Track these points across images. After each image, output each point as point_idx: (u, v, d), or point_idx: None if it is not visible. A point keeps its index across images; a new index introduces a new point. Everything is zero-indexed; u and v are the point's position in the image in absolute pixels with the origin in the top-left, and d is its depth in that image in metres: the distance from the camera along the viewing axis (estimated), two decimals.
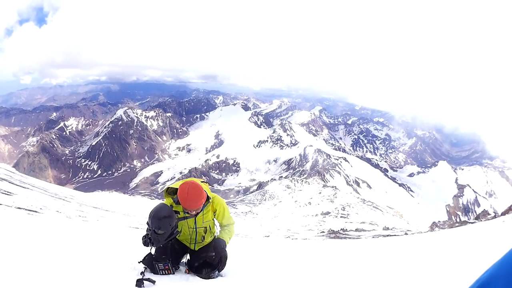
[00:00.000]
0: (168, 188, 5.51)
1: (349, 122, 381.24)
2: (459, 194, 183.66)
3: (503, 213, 24.85)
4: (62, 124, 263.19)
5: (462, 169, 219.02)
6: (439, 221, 47.00)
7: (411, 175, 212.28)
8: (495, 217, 24.54)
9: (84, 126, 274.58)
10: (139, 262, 5.02)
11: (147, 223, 4.90)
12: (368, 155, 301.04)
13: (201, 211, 5.33)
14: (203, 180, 5.86)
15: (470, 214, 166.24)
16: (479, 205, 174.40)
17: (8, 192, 19.45)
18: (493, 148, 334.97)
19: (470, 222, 27.01)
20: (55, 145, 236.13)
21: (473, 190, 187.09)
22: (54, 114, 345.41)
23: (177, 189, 5.23)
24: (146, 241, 4.90)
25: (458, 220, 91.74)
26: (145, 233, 5.02)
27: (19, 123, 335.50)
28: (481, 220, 25.54)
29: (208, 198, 5.39)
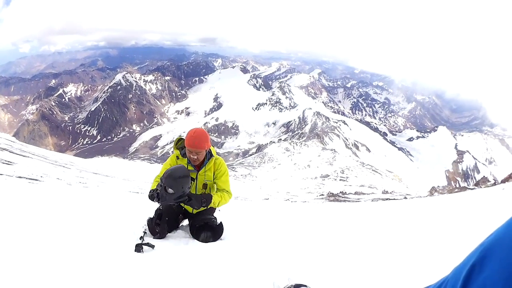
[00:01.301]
0: (179, 140, 5.64)
1: (348, 85, 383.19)
2: (458, 160, 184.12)
3: (503, 181, 24.85)
4: (61, 91, 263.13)
5: (462, 135, 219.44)
6: (438, 186, 47.26)
7: (410, 139, 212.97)
8: (495, 184, 24.60)
9: (83, 92, 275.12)
10: (143, 226, 5.02)
11: (161, 179, 4.83)
12: (367, 119, 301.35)
13: (203, 166, 5.39)
14: (213, 146, 5.72)
15: (469, 180, 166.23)
16: (478, 172, 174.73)
17: (8, 161, 19.49)
18: (494, 116, 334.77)
19: (469, 188, 27.16)
20: (55, 112, 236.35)
21: (472, 156, 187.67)
22: (53, 81, 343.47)
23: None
24: (153, 195, 4.93)
25: (457, 185, 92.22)
26: (154, 189, 5.04)
27: (19, 92, 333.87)
28: (480, 187, 25.60)
29: (211, 153, 5.47)
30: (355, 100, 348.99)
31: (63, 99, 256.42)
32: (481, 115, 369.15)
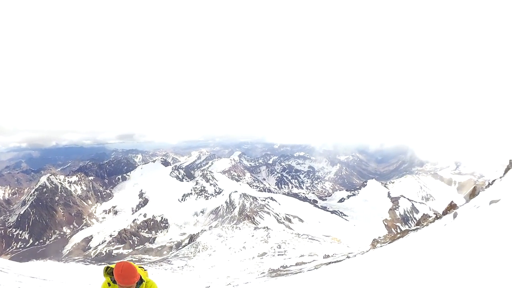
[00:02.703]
0: (107, 267, 5.90)
1: (270, 161, 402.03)
2: (394, 207, 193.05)
3: (444, 212, 25.64)
4: None
5: (393, 182, 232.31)
6: (379, 237, 48.10)
7: (341, 200, 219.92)
8: (437, 218, 25.28)
9: (10, 195, 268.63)
10: None
11: None
12: (295, 190, 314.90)
13: None
14: (141, 266, 6.19)
15: (410, 222, 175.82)
16: (417, 212, 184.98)
17: None
18: (422, 154, 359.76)
19: (411, 230, 27.68)
20: None
21: (407, 199, 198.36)
22: None
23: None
24: None
25: (399, 231, 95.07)
26: None
27: None
28: (422, 225, 26.21)
29: (141, 280, 5.79)
30: (279, 175, 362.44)
31: None
32: (409, 157, 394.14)
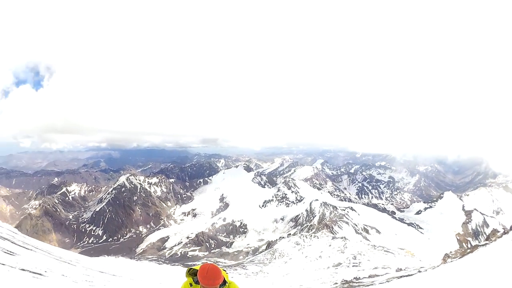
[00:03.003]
0: (190, 269, 6.11)
1: (352, 171, 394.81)
2: (467, 220, 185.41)
3: None
4: (64, 189, 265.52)
5: (468, 195, 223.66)
6: (450, 252, 46.41)
7: (418, 212, 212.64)
8: (505, 233, 24.22)
9: (87, 192, 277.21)
10: None
11: None
12: (374, 201, 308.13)
13: None
14: (223, 269, 6.15)
15: (480, 237, 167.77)
16: (488, 226, 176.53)
17: (11, 252, 19.23)
18: (495, 165, 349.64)
19: (481, 245, 26.63)
20: (58, 210, 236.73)
21: (480, 212, 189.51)
22: (56, 179, 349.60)
23: (197, 270, 5.78)
24: None
25: (469, 246, 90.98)
26: None
27: (20, 186, 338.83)
28: (491, 240, 25.19)
29: (225, 281, 5.88)
30: (360, 184, 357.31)
31: (67, 198, 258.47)
32: (483, 168, 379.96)
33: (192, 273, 6.04)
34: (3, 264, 13.58)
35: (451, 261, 29.41)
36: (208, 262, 6.07)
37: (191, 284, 5.93)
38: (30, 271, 14.40)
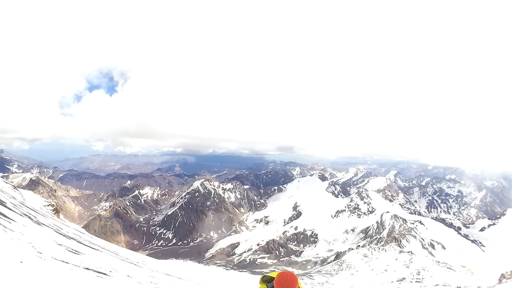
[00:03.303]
0: (265, 276, 6.18)
1: (423, 183, 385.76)
2: None
3: None
4: (137, 192, 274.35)
5: None
6: (506, 272, 44.86)
7: (482, 229, 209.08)
8: None
9: (159, 196, 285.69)
10: None
11: None
12: (442, 215, 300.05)
13: None
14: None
15: None
16: None
17: (76, 251, 19.95)
18: None
19: None
20: (129, 212, 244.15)
21: None
22: (129, 182, 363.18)
23: (272, 277, 5.98)
24: None
25: None
26: None
27: (91, 187, 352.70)
28: None
29: None
30: (430, 197, 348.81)
31: (139, 201, 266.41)
32: None
33: (265, 280, 6.10)
34: (67, 263, 14.13)
35: (506, 282, 28.73)
36: (280, 270, 6.00)
37: None
38: (94, 271, 14.88)
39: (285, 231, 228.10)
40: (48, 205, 57.94)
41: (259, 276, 6.33)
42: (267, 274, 6.11)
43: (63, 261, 14.13)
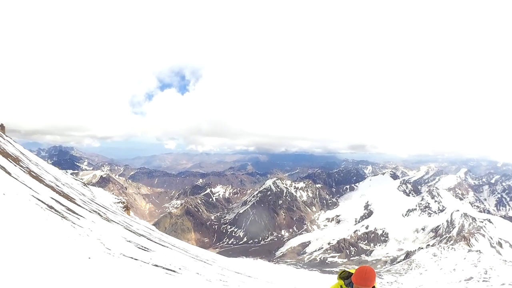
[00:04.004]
0: (343, 271, 6.21)
1: (493, 181, 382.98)
2: None
3: None
4: (208, 190, 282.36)
5: None
6: None
7: None
8: None
9: (231, 194, 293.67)
10: None
11: None
12: (511, 213, 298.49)
13: None
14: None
15: None
16: None
17: (145, 248, 20.22)
18: None
19: None
20: (200, 210, 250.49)
21: None
22: (200, 180, 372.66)
23: (350, 273, 5.96)
24: None
25: None
26: None
27: (162, 185, 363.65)
28: None
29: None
30: (499, 195, 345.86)
31: (210, 199, 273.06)
32: None
33: (343, 276, 6.08)
34: (136, 259, 14.32)
35: None
36: (351, 268, 6.04)
37: (341, 287, 5.99)
38: (163, 267, 15.05)
39: (356, 230, 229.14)
40: (118, 202, 59.80)
41: (329, 275, 6.28)
42: (346, 270, 6.14)
43: (131, 258, 14.35)
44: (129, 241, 20.09)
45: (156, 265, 14.94)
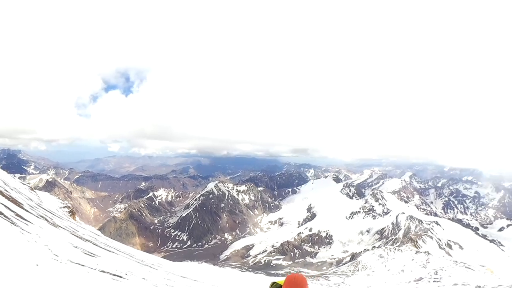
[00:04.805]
0: (274, 283, 5.98)
1: (439, 184, 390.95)
2: None
3: None
4: (151, 194, 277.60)
5: None
6: None
7: (501, 229, 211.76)
8: None
9: (174, 198, 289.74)
10: None
11: None
12: (459, 216, 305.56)
13: None
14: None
15: None
16: None
17: (92, 253, 19.96)
18: None
19: None
20: (144, 214, 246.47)
21: None
22: (143, 183, 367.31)
23: (280, 285, 5.78)
24: None
25: None
26: None
27: (106, 189, 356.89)
28: None
29: None
30: (446, 199, 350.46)
31: (153, 202, 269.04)
32: None
33: (275, 287, 5.89)
34: (83, 265, 14.17)
35: None
36: (295, 271, 5.84)
37: None
38: (110, 273, 14.92)
39: (300, 233, 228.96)
40: (64, 207, 58.31)
41: (274, 278, 6.08)
42: (277, 282, 5.94)
43: (79, 264, 14.21)
44: (76, 247, 19.94)
45: (103, 271, 14.88)
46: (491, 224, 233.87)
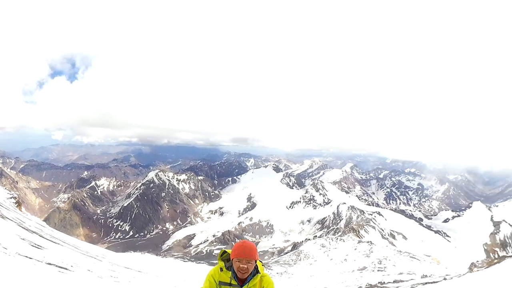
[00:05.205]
0: (224, 252, 5.72)
1: (381, 176, 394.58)
2: (495, 231, 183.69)
3: None
4: (93, 183, 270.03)
5: (497, 206, 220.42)
6: (477, 261, 45.86)
7: (446, 220, 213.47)
8: None
9: (115, 187, 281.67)
10: None
11: None
12: (402, 207, 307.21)
13: (247, 282, 5.40)
14: (260, 260, 5.80)
15: (508, 248, 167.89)
16: None
17: (38, 245, 19.46)
18: None
19: (508, 256, 26.35)
20: (87, 204, 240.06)
21: (509, 224, 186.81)
22: (86, 172, 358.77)
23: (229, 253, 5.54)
24: None
25: (496, 256, 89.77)
26: None
27: (50, 178, 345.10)
28: None
29: (257, 269, 5.51)
30: (388, 190, 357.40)
31: (96, 192, 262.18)
32: None
33: (225, 258, 5.65)
34: (30, 258, 13.81)
35: (478, 270, 29.12)
36: None
37: (221, 269, 5.53)
38: (56, 265, 14.57)
39: (240, 222, 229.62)
40: (11, 198, 55.67)
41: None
42: (227, 250, 5.68)
43: (26, 257, 13.91)
44: (23, 239, 19.47)
45: (50, 263, 14.57)
46: (435, 215, 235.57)
